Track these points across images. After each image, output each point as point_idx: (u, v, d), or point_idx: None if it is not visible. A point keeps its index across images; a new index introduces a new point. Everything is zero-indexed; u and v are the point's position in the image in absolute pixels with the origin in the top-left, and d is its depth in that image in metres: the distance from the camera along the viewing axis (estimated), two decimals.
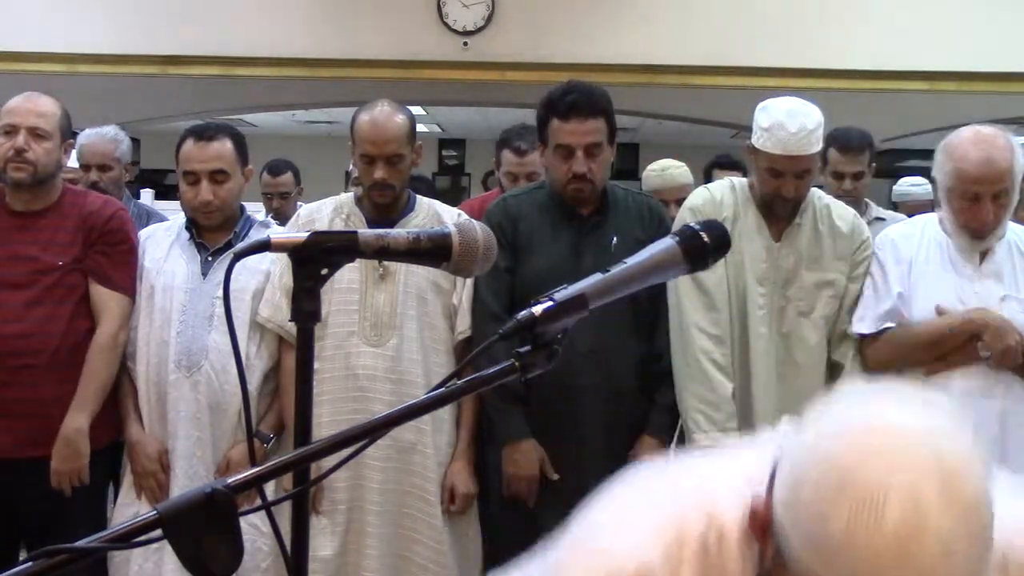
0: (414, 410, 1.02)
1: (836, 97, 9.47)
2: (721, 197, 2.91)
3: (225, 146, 3.18)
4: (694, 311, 2.79)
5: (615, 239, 2.89)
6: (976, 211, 2.61)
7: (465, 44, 9.49)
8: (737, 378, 2.84)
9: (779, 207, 2.82)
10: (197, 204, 3.15)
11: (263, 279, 3.15)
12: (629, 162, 15.94)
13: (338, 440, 1.01)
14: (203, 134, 3.20)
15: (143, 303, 3.20)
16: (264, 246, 1.14)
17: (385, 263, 2.95)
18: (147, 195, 8.72)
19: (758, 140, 2.80)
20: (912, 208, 4.51)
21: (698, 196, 2.98)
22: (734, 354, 2.83)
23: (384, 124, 3.11)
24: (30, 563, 0.88)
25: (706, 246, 1.10)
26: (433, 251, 1.16)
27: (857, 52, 9.35)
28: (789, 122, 2.70)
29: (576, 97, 2.85)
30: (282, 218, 4.95)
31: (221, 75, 9.62)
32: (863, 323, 2.81)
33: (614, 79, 9.60)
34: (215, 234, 3.23)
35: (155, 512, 0.90)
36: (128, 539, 0.91)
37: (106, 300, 3.16)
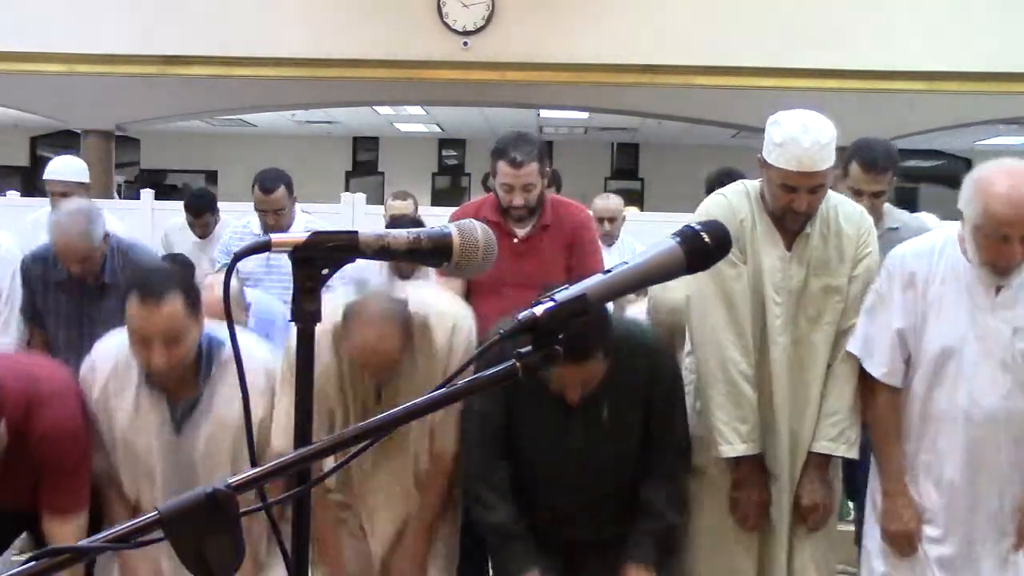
0: (415, 410, 1.02)
1: (836, 97, 9.48)
2: (737, 204, 2.86)
3: (176, 307, 2.60)
4: (722, 321, 2.78)
5: (607, 412, 2.71)
6: (1004, 251, 2.50)
7: (465, 44, 9.50)
8: (762, 387, 2.83)
9: (790, 221, 2.77)
10: (151, 369, 2.67)
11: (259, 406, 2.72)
12: (629, 162, 15.99)
13: (338, 440, 1.01)
14: (149, 293, 2.59)
15: (117, 456, 2.82)
16: (265, 246, 1.14)
17: None
18: (147, 195, 8.70)
19: (770, 155, 2.75)
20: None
21: (714, 204, 2.90)
22: (762, 365, 2.82)
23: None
24: (31, 563, 0.88)
25: (707, 247, 1.09)
26: (433, 251, 1.16)
27: (857, 52, 9.35)
28: (803, 137, 2.65)
29: (572, 345, 2.57)
30: (280, 232, 4.89)
31: (221, 75, 9.63)
32: (871, 361, 2.73)
33: (614, 79, 9.62)
34: (180, 386, 2.78)
35: (156, 512, 0.90)
36: (129, 539, 0.91)
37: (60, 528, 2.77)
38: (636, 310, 4.93)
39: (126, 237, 3.96)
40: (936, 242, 2.76)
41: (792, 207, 2.73)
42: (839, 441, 2.81)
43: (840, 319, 2.84)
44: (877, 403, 2.78)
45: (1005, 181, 2.48)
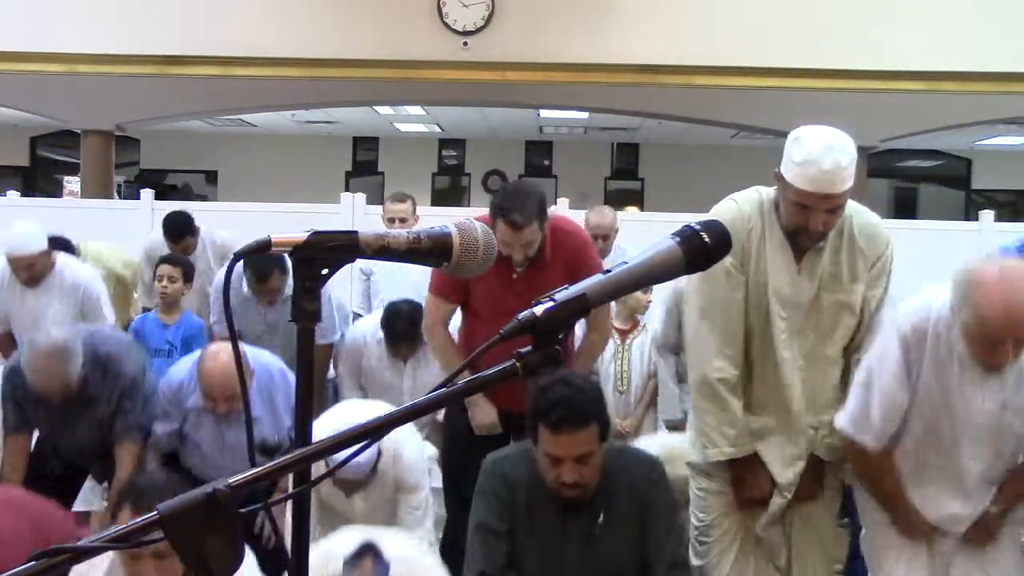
0: (415, 410, 1.02)
1: (836, 97, 9.49)
2: (749, 213, 2.78)
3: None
4: (708, 329, 2.78)
5: (602, 519, 2.72)
6: (997, 353, 2.44)
7: (465, 44, 9.50)
8: (771, 396, 2.83)
9: (804, 239, 2.72)
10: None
11: None
12: (629, 162, 15.98)
13: (338, 440, 1.01)
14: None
15: None
16: (265, 246, 1.14)
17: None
18: (147, 195, 8.71)
19: (788, 172, 2.65)
20: None
21: (726, 210, 2.80)
22: (766, 374, 2.81)
23: None
24: (31, 563, 0.88)
25: (707, 246, 1.09)
26: (433, 251, 1.16)
27: (858, 52, 9.35)
28: (824, 159, 2.58)
29: (565, 412, 2.60)
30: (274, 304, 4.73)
31: (221, 75, 9.63)
32: (864, 436, 2.65)
33: (614, 79, 9.62)
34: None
35: (156, 512, 0.90)
36: (129, 539, 0.91)
37: None
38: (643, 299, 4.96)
39: (100, 335, 3.85)
40: (932, 310, 2.64)
41: (807, 227, 2.67)
42: (838, 448, 2.82)
43: (856, 334, 2.82)
44: (871, 461, 2.71)
45: (999, 288, 2.39)
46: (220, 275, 4.87)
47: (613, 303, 4.85)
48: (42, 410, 3.69)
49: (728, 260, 2.69)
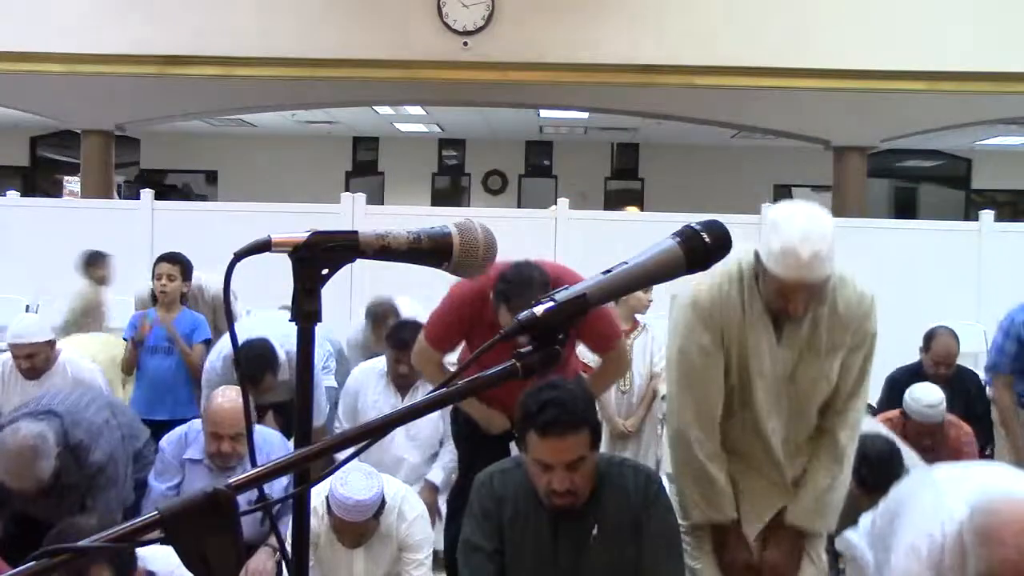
0: (416, 410, 1.02)
1: (836, 97, 9.50)
2: (728, 290, 2.74)
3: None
4: (690, 405, 2.78)
5: (596, 529, 2.66)
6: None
7: (465, 44, 9.50)
8: (750, 446, 2.85)
9: (785, 319, 2.70)
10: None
11: None
12: (629, 162, 15.98)
13: (338, 440, 1.01)
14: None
15: None
16: (265, 246, 1.13)
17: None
18: (147, 195, 8.71)
19: (767, 259, 2.60)
20: (919, 426, 4.35)
21: (705, 290, 2.76)
22: (745, 430, 2.82)
23: None
24: (31, 563, 0.87)
25: (707, 246, 1.09)
26: (434, 251, 1.16)
27: (857, 52, 9.35)
28: (802, 248, 2.53)
29: (554, 416, 2.52)
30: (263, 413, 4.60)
31: (221, 75, 9.63)
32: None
33: (614, 79, 9.62)
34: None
35: (156, 512, 0.90)
36: (129, 539, 0.91)
37: None
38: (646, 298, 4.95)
39: (73, 419, 3.68)
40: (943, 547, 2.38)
41: (787, 310, 2.66)
42: (817, 516, 2.83)
43: (833, 398, 2.81)
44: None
45: (1015, 542, 2.12)
46: (212, 359, 4.68)
47: (614, 304, 4.86)
48: (16, 500, 3.55)
49: (707, 338, 2.72)
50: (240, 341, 4.21)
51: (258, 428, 3.91)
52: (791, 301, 2.63)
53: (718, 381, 2.77)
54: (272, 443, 3.77)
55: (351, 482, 3.23)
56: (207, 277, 5.62)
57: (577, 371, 3.70)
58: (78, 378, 4.70)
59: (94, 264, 6.66)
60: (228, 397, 3.67)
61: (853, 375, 2.79)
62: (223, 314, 5.41)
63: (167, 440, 3.88)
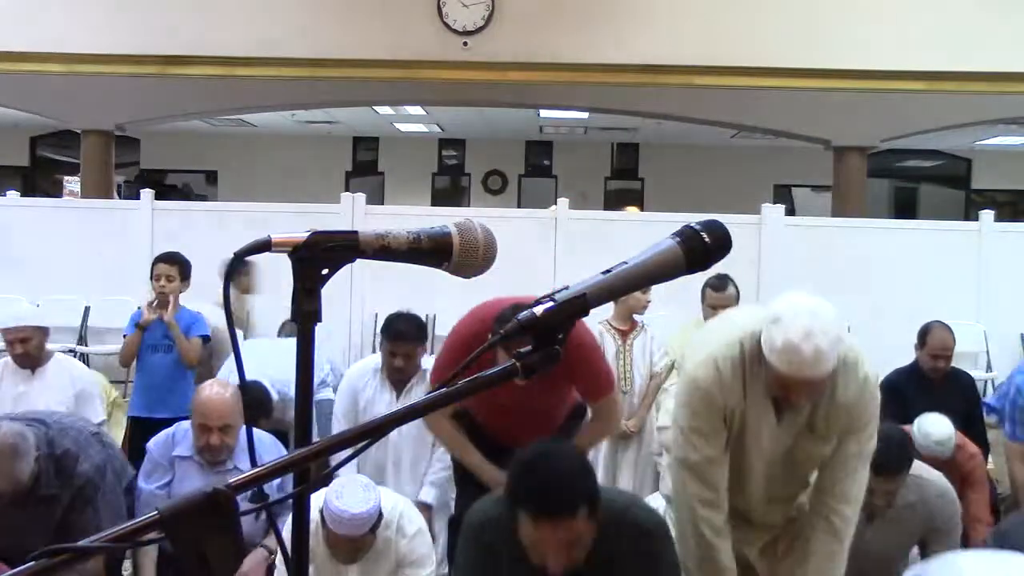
0: (416, 410, 1.02)
1: (836, 97, 9.50)
2: (730, 378, 2.69)
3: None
4: (689, 480, 2.75)
5: None
6: None
7: (465, 44, 9.50)
8: (755, 536, 2.87)
9: (786, 406, 2.68)
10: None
11: None
12: (629, 162, 15.99)
13: (338, 440, 1.01)
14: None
15: None
16: (265, 246, 1.13)
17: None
18: (147, 195, 8.71)
19: (769, 354, 2.58)
20: (928, 461, 4.00)
21: (704, 376, 2.72)
22: (738, 489, 2.82)
23: None
24: (30, 563, 0.87)
25: (707, 246, 1.09)
26: (434, 251, 1.16)
27: (857, 52, 9.36)
28: (804, 346, 2.50)
29: (548, 495, 2.30)
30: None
31: (221, 75, 9.63)
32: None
33: (614, 79, 9.62)
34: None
35: (155, 512, 0.90)
36: (129, 539, 0.91)
37: None
38: (643, 298, 4.95)
39: (59, 429, 3.58)
40: None
41: (789, 400, 2.65)
42: None
43: (832, 477, 2.79)
44: None
45: None
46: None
47: (613, 304, 4.87)
48: None
49: (708, 423, 2.70)
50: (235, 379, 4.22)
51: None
52: (792, 394, 2.62)
53: (720, 462, 2.74)
54: (264, 443, 3.74)
55: (346, 494, 3.11)
56: (209, 310, 5.46)
57: (573, 404, 3.60)
58: (75, 376, 4.67)
59: (238, 272, 6.50)
60: (215, 390, 3.68)
61: (851, 456, 2.75)
62: (218, 352, 5.38)
63: (154, 442, 3.85)
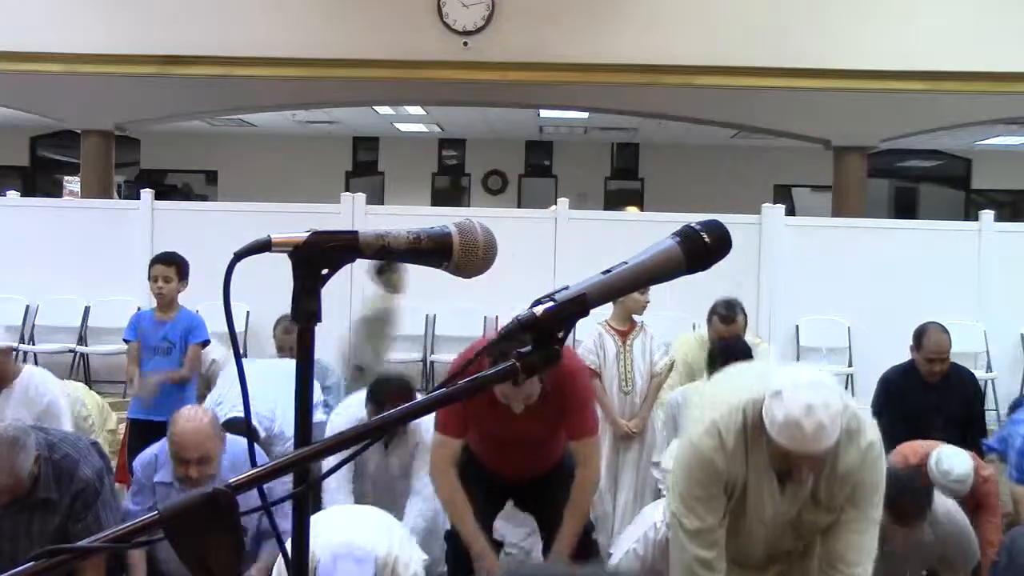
0: (416, 410, 1.02)
1: (836, 97, 9.50)
2: (732, 445, 2.68)
3: None
4: (689, 543, 2.73)
5: None
6: None
7: (465, 44, 9.50)
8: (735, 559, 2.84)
9: (788, 480, 2.66)
10: None
11: None
12: (629, 162, 15.98)
13: (338, 440, 1.01)
14: None
15: None
16: (265, 246, 1.13)
17: None
18: (147, 195, 8.71)
19: (770, 428, 2.56)
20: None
21: (707, 445, 2.70)
22: (737, 546, 2.81)
23: None
24: (30, 563, 0.87)
25: (707, 246, 1.09)
26: (434, 250, 1.16)
27: (857, 52, 9.36)
28: (805, 421, 2.48)
29: None
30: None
31: (221, 75, 9.63)
32: None
33: (614, 79, 9.62)
34: None
35: (156, 512, 0.89)
36: (129, 539, 0.91)
37: None
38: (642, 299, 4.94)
39: (55, 437, 3.54)
40: None
41: (791, 474, 2.64)
42: None
43: (839, 550, 2.76)
44: None
45: None
46: None
47: (612, 305, 4.86)
48: None
49: (708, 491, 2.68)
50: (223, 412, 4.11)
51: (235, 438, 3.78)
52: (794, 469, 2.60)
53: (721, 528, 2.74)
54: (242, 447, 3.62)
55: (340, 570, 2.99)
56: (214, 352, 5.41)
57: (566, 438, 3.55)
58: (42, 391, 4.48)
59: (389, 271, 6.46)
60: (192, 418, 3.49)
61: (859, 521, 2.73)
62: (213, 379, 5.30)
63: (139, 461, 3.79)
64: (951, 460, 3.94)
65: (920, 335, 4.93)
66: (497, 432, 3.41)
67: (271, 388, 4.50)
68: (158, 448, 3.74)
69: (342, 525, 3.14)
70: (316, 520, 3.14)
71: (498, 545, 3.84)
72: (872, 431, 2.71)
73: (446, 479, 3.45)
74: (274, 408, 4.56)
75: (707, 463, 2.68)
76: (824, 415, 2.50)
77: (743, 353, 4.34)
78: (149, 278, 5.06)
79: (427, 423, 3.82)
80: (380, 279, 5.75)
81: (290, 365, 4.69)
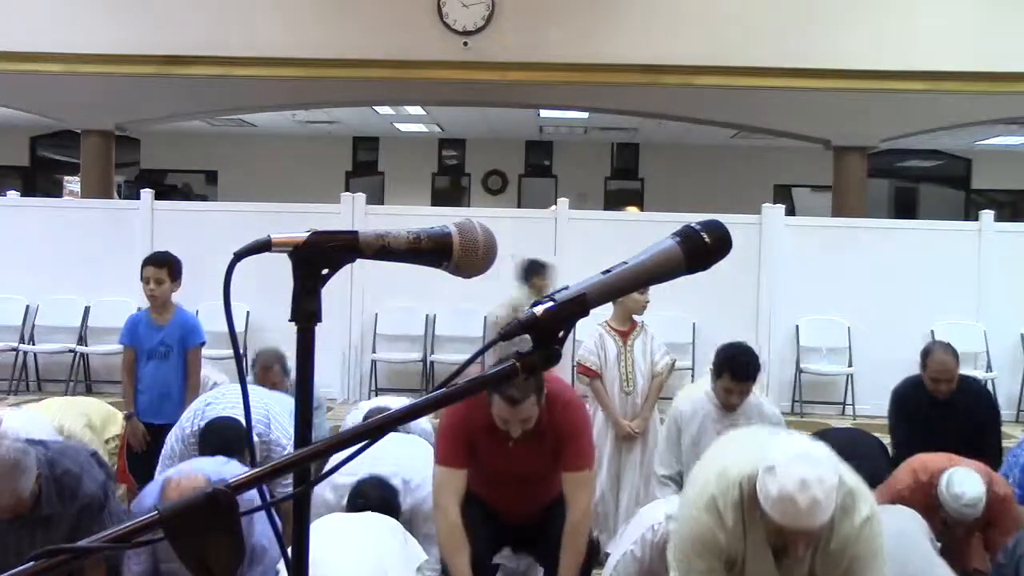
0: (416, 409, 1.02)
1: (836, 97, 9.50)
2: (731, 521, 2.66)
3: None
4: None
5: None
6: None
7: (465, 44, 9.50)
8: None
9: (784, 557, 2.64)
10: None
11: None
12: (629, 162, 15.98)
13: (338, 440, 1.01)
14: None
15: None
16: (265, 246, 1.13)
17: None
18: (147, 195, 8.72)
19: (764, 503, 2.54)
20: (955, 522, 3.68)
21: (706, 521, 2.68)
22: None
23: None
24: (30, 563, 0.87)
25: (707, 246, 1.09)
26: (434, 251, 1.16)
27: (857, 52, 9.36)
28: (800, 496, 2.46)
29: None
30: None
31: (221, 75, 9.63)
32: None
33: (614, 79, 9.62)
34: None
35: (156, 512, 0.89)
36: (129, 539, 0.91)
37: None
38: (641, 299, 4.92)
39: (57, 452, 3.49)
40: None
41: (786, 550, 2.62)
42: None
43: None
44: None
45: None
46: (177, 430, 4.33)
47: (612, 306, 4.85)
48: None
49: (709, 564, 2.67)
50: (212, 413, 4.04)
51: (223, 470, 3.65)
52: (790, 545, 2.58)
53: None
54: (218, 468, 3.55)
55: None
56: (215, 376, 5.37)
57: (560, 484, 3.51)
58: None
59: (537, 274, 6.46)
60: (181, 488, 3.30)
61: None
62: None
63: (136, 503, 3.73)
64: (963, 484, 3.66)
65: (926, 355, 4.85)
66: (495, 465, 3.40)
67: (264, 397, 4.46)
68: (157, 487, 3.61)
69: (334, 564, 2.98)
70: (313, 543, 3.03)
71: (495, 568, 3.81)
72: (868, 505, 2.67)
73: (445, 516, 3.36)
74: (267, 413, 4.53)
75: (708, 540, 2.67)
76: (819, 490, 2.47)
77: (752, 365, 4.26)
78: (141, 279, 4.95)
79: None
80: (527, 281, 5.83)
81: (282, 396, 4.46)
